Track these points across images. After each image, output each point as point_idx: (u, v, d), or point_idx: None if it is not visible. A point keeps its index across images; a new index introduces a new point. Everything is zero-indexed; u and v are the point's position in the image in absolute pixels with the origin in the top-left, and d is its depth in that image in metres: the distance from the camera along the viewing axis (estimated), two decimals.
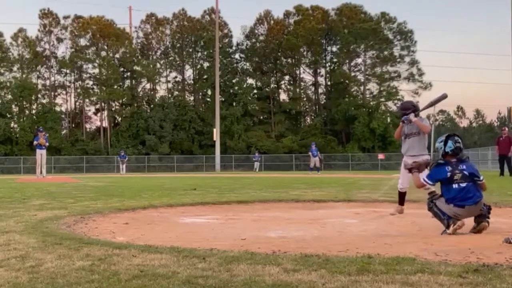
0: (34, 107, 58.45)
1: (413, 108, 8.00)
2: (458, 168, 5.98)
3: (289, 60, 64.18)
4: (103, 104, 59.84)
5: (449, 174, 5.95)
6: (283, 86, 65.60)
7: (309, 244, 5.21)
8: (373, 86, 62.48)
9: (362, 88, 62.73)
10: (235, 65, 63.59)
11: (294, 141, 56.80)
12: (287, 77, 65.46)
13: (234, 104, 58.71)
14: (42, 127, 29.40)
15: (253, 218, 8.09)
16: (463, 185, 5.88)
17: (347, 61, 62.77)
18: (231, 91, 59.85)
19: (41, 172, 23.84)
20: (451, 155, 6.10)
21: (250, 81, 63.63)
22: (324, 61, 64.61)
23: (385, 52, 60.19)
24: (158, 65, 61.86)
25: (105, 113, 60.22)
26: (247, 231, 6.39)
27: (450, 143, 6.10)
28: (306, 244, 5.20)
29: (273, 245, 5.05)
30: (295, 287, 3.34)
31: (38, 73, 59.55)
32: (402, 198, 8.24)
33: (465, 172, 5.95)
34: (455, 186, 5.91)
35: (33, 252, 4.58)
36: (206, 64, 62.50)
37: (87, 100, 60.45)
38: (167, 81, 62.96)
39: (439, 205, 6.00)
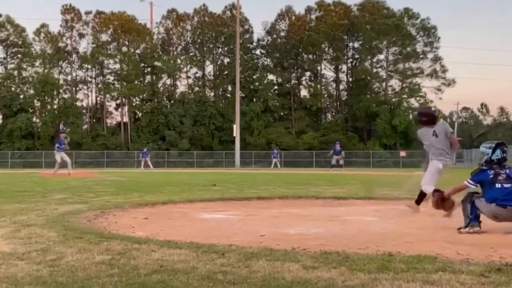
0: (55, 102, 58.86)
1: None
2: (502, 170, 5.96)
3: (310, 56, 63.81)
4: (123, 99, 60.22)
5: (491, 176, 5.92)
6: (304, 82, 65.38)
7: (328, 241, 5.17)
8: (395, 83, 61.88)
9: (384, 84, 62.10)
10: (255, 61, 63.44)
11: (315, 137, 56.52)
12: (308, 73, 65.12)
13: (254, 100, 58.64)
14: (64, 123, 29.48)
15: (273, 215, 8.08)
16: (507, 185, 5.84)
17: (369, 57, 62.15)
18: (252, 87, 59.76)
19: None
20: (495, 163, 6.05)
21: (271, 77, 63.52)
22: (345, 57, 64.11)
23: (408, 49, 59.39)
24: (179, 61, 61.99)
25: (126, 108, 60.64)
26: (266, 228, 6.38)
27: (498, 151, 6.06)
28: (325, 241, 5.17)
29: (293, 242, 5.03)
30: (314, 284, 3.33)
31: (60, 68, 60.04)
32: (422, 198, 8.00)
33: (510, 174, 5.92)
34: (498, 185, 5.86)
35: (54, 246, 4.65)
36: (226, 60, 62.53)
37: (108, 95, 60.86)
38: (188, 77, 63.23)
39: (477, 203, 5.91)
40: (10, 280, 3.40)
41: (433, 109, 9.21)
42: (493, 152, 6.07)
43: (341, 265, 3.81)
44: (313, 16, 63.17)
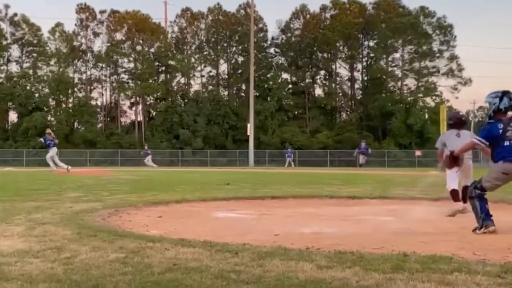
0: (70, 100, 59.13)
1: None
2: (510, 125, 5.65)
3: (325, 54, 63.54)
4: (138, 98, 60.46)
5: (501, 130, 5.65)
6: (318, 81, 65.09)
7: (343, 241, 5.15)
8: (410, 82, 61.32)
9: (399, 83, 61.62)
10: (270, 59, 63.34)
11: (329, 136, 56.32)
12: (322, 72, 64.85)
13: (268, 99, 58.55)
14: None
15: (287, 214, 8.06)
16: None
17: (384, 56, 61.73)
18: (266, 85, 59.68)
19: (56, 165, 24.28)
20: (503, 113, 5.75)
21: (285, 76, 63.31)
22: (360, 56, 63.72)
23: (424, 47, 58.89)
24: (193, 60, 62.09)
25: (140, 107, 60.87)
26: (280, 227, 6.36)
27: (505, 99, 5.74)
28: (340, 241, 5.15)
29: (307, 241, 5.01)
30: (328, 283, 3.31)
31: (74, 67, 60.27)
32: (458, 195, 7.88)
33: None
34: (506, 143, 5.61)
35: (68, 244, 4.68)
36: (240, 59, 62.52)
37: (122, 94, 61.13)
38: (202, 76, 63.26)
39: (484, 183, 5.74)
40: (25, 277, 3.43)
41: (461, 113, 9.63)
42: (501, 100, 5.75)
43: (355, 264, 3.79)
44: (328, 15, 62.93)
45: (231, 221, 7.30)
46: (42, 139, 24.56)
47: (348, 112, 64.37)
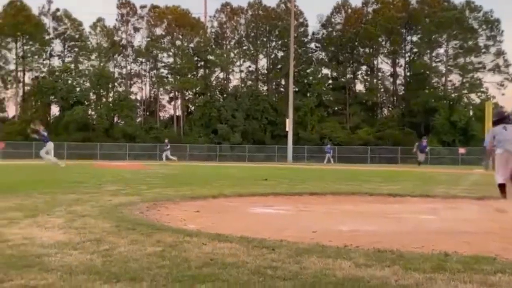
0: (110, 95, 60.19)
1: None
2: None
3: (367, 49, 62.66)
4: (177, 93, 61.12)
5: None
6: (359, 76, 64.29)
7: (382, 239, 5.07)
8: (455, 78, 59.77)
9: (443, 79, 60.16)
10: (310, 54, 62.90)
11: (370, 133, 55.56)
12: (364, 67, 64.00)
13: (308, 94, 58.20)
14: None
15: (325, 211, 7.99)
16: None
17: (428, 51, 60.35)
18: (306, 81, 59.35)
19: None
20: None
21: (325, 71, 62.78)
22: (403, 51, 62.55)
23: (469, 42, 57.29)
24: (232, 55, 62.30)
25: (179, 101, 61.53)
26: (318, 224, 6.31)
27: None
28: (379, 239, 5.07)
29: (345, 239, 4.95)
30: (366, 282, 3.26)
31: (115, 61, 61.35)
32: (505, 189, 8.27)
33: None
34: None
35: (107, 236, 4.75)
36: (280, 54, 62.34)
37: (161, 88, 61.90)
38: (241, 71, 63.41)
39: None
40: (64, 269, 3.49)
41: (505, 111, 10.43)
42: None
43: (395, 263, 3.73)
44: (370, 9, 62.02)
45: (268, 217, 7.28)
46: (36, 135, 22.92)
47: (390, 108, 63.39)
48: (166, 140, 42.44)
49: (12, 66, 57.59)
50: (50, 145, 22.70)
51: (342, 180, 15.41)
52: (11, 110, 59.14)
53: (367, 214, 7.59)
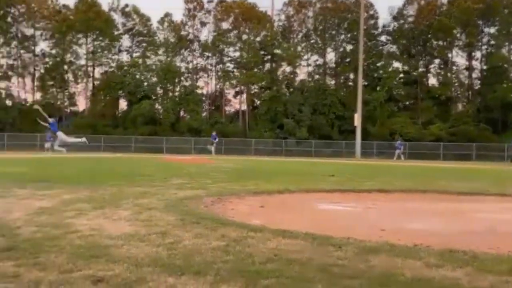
0: (177, 89, 60.66)
1: None
2: None
3: (440, 42, 60.31)
4: (242, 87, 61.39)
5: None
6: (432, 70, 61.97)
7: (454, 239, 4.89)
8: None
9: None
10: (380, 47, 61.31)
11: (442, 128, 53.55)
12: (437, 61, 61.69)
13: (377, 88, 56.84)
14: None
15: (394, 208, 7.77)
16: None
17: (506, 43, 57.37)
18: (375, 75, 58.00)
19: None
20: None
21: (396, 64, 60.98)
22: (480, 43, 59.73)
23: None
24: (299, 48, 61.80)
25: (244, 96, 61.70)
26: (386, 222, 6.14)
27: None
28: (450, 239, 4.89)
29: (415, 238, 4.78)
30: (437, 283, 3.17)
31: (181, 56, 61.89)
32: None
33: None
34: None
35: (172, 229, 4.82)
36: (349, 47, 61.19)
37: (227, 83, 62.15)
38: (308, 65, 62.56)
39: None
40: (131, 260, 3.57)
41: None
42: None
43: (467, 264, 3.60)
44: (444, 0, 59.72)
45: (334, 214, 7.16)
46: (50, 124, 20.70)
47: (464, 103, 60.88)
48: (214, 133, 42.21)
49: (82, 61, 59.78)
50: (60, 135, 21.24)
51: (413, 177, 14.97)
52: (81, 104, 61.55)
53: (439, 213, 7.35)
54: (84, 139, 20.94)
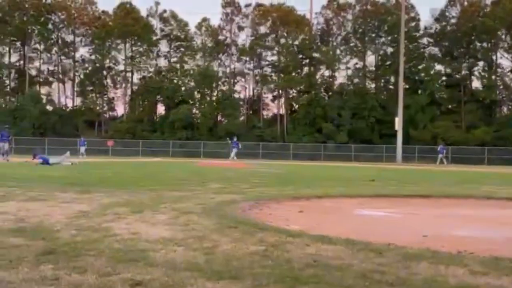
0: (214, 93, 61.46)
1: None
2: None
3: (484, 44, 58.95)
4: (280, 91, 61.43)
5: None
6: (476, 72, 60.51)
7: (500, 246, 4.79)
8: None
9: None
10: (421, 50, 60.40)
11: (487, 132, 52.14)
12: (481, 63, 60.22)
13: (419, 91, 55.92)
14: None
15: (437, 214, 7.59)
16: None
17: None
18: (417, 78, 57.06)
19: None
20: None
21: (438, 67, 59.96)
22: None
23: None
24: (338, 52, 61.39)
25: (282, 100, 61.79)
26: (429, 228, 5.99)
27: None
28: (496, 246, 4.77)
29: (459, 244, 4.65)
30: None
31: (219, 61, 62.72)
32: None
33: None
34: None
35: (210, 234, 4.82)
36: (389, 50, 60.42)
37: (265, 87, 62.45)
38: (347, 68, 62.18)
39: None
40: (169, 264, 3.58)
41: None
42: None
43: None
44: (488, 1, 58.26)
45: (375, 220, 7.04)
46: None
47: (510, 107, 59.13)
48: (235, 138, 41.91)
49: (121, 67, 61.32)
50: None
51: (456, 182, 14.61)
52: (120, 109, 62.93)
53: (484, 219, 7.17)
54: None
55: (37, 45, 59.72)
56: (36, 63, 60.61)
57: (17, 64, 59.86)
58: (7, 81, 59.66)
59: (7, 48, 58.95)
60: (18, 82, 59.17)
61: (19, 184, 10.00)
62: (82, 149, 38.66)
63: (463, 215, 7.55)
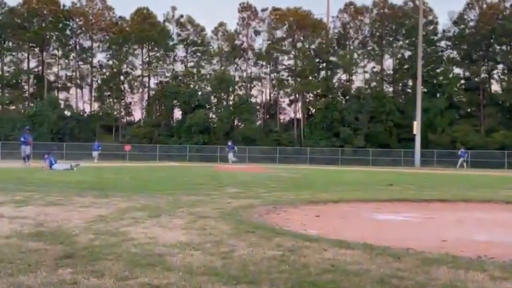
0: (231, 98, 61.40)
1: None
2: None
3: (504, 47, 58.17)
4: (297, 95, 61.18)
5: None
6: (495, 75, 59.71)
7: None
8: None
9: None
10: (440, 53, 59.77)
11: (507, 136, 51.36)
12: (500, 66, 59.39)
13: (437, 95, 55.34)
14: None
15: (456, 219, 7.48)
16: None
17: None
18: (435, 81, 56.46)
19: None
20: None
21: (457, 70, 59.26)
22: None
23: None
24: (355, 55, 60.95)
25: (299, 104, 61.44)
26: (448, 232, 5.92)
27: None
28: None
29: (478, 249, 4.61)
30: None
31: (235, 65, 62.66)
32: None
33: None
34: None
35: (227, 238, 4.82)
36: (407, 53, 59.94)
37: (281, 91, 62.29)
38: (364, 72, 61.72)
39: None
40: (186, 269, 3.59)
41: None
42: None
43: None
44: (507, 4, 57.52)
45: (393, 224, 6.97)
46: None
47: None
48: (229, 142, 42.04)
49: (138, 72, 61.58)
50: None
51: (476, 186, 14.40)
52: (137, 114, 63.27)
53: (504, 224, 7.07)
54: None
55: (55, 51, 60.39)
56: (54, 69, 61.32)
57: (36, 70, 60.58)
58: (26, 87, 60.39)
59: (26, 54, 59.72)
60: (36, 87, 59.87)
61: (38, 188, 10.11)
62: (95, 153, 38.75)
63: (482, 219, 7.45)
